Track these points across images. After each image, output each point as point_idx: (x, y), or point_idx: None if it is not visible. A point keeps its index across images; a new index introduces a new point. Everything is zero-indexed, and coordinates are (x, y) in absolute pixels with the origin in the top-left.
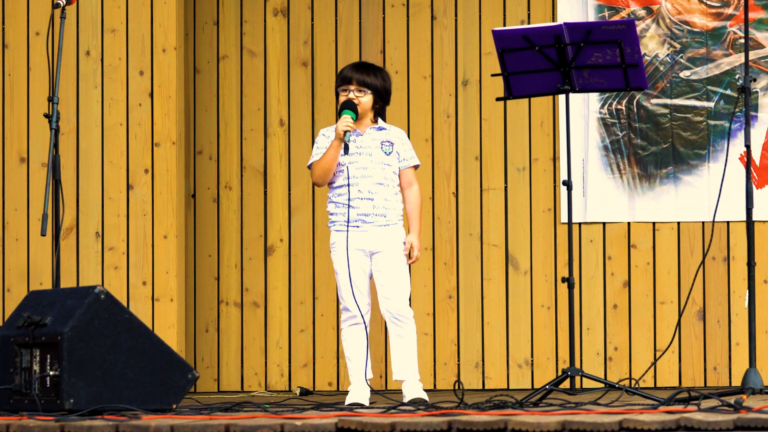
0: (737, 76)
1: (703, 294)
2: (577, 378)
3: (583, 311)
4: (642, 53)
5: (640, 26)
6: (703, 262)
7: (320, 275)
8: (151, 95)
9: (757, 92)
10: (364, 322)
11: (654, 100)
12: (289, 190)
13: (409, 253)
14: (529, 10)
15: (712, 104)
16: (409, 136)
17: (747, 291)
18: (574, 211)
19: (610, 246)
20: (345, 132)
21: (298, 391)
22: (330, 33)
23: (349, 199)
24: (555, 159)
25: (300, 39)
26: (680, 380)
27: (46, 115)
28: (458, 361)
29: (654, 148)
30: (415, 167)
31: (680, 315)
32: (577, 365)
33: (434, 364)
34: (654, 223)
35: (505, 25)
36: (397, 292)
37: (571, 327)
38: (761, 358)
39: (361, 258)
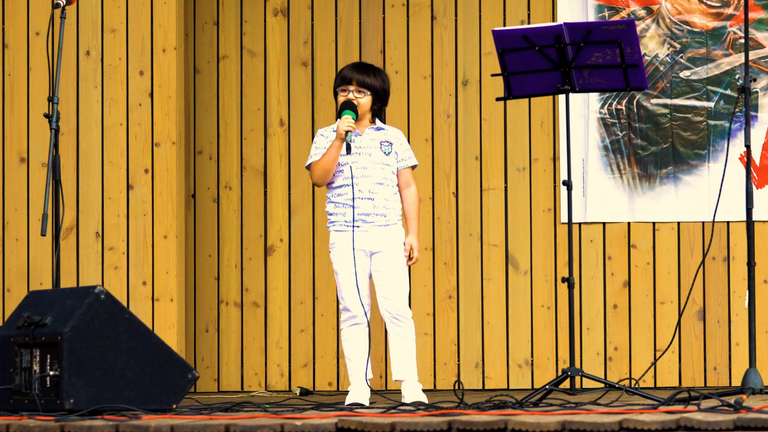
0: (737, 76)
1: (703, 294)
2: (577, 378)
3: (583, 311)
4: (642, 53)
5: (640, 26)
6: (703, 262)
7: (320, 275)
8: (151, 95)
9: (757, 92)
10: (368, 322)
11: (654, 100)
12: (289, 190)
13: (410, 255)
14: (529, 10)
15: (712, 104)
16: (409, 136)
17: (747, 291)
18: (574, 211)
19: (610, 246)
20: (346, 132)
21: (298, 391)
22: (330, 33)
23: (353, 199)
24: (555, 159)
25: (300, 39)
26: (680, 380)
27: (46, 115)
28: (458, 361)
29: (654, 148)
30: (413, 167)
31: (680, 315)
32: (577, 365)
33: (434, 364)
34: (654, 223)
35: (505, 25)
36: (397, 292)
37: (571, 327)
38: (761, 358)
39: (361, 258)
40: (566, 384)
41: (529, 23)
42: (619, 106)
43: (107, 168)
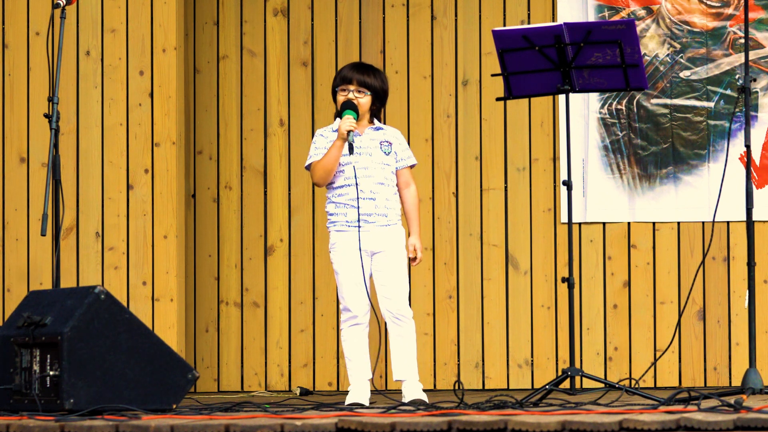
0: (737, 76)
1: (703, 294)
2: (577, 378)
3: (583, 311)
4: (642, 53)
5: (640, 26)
6: (703, 262)
7: (320, 275)
8: (151, 95)
9: (757, 92)
10: (377, 320)
11: (654, 100)
12: (289, 190)
13: (414, 256)
14: (529, 10)
15: (712, 104)
16: (409, 136)
17: (747, 291)
18: (574, 211)
19: (610, 246)
20: (348, 132)
21: (298, 391)
22: (330, 33)
23: (358, 199)
24: (555, 159)
25: (300, 39)
26: (680, 380)
27: (46, 115)
28: (458, 361)
29: (654, 148)
30: (411, 167)
31: (680, 315)
32: (577, 365)
33: (434, 364)
34: (654, 223)
35: (505, 25)
36: (398, 292)
37: (571, 327)
38: (761, 358)
39: (362, 258)
40: (566, 384)
41: (529, 23)
42: (619, 106)
43: (107, 168)
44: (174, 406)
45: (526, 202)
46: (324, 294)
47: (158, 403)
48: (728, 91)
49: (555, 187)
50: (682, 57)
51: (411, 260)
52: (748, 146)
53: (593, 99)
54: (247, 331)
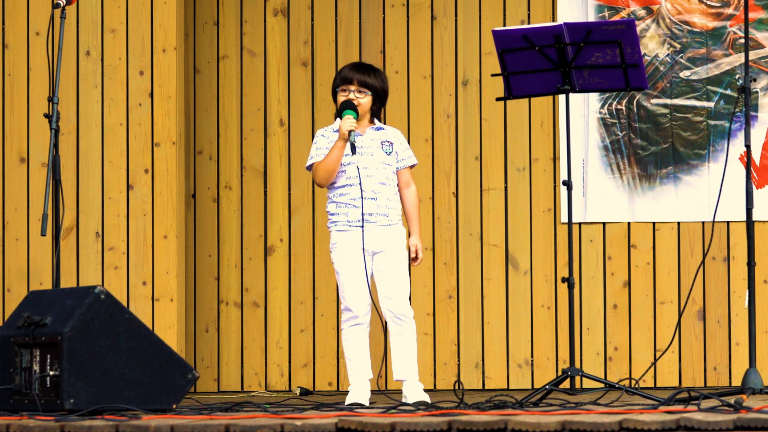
0: (737, 76)
1: (703, 294)
2: (577, 378)
3: (583, 311)
4: (642, 53)
5: (640, 26)
6: (703, 262)
7: (320, 275)
8: (151, 95)
9: (757, 92)
10: (381, 320)
11: (654, 100)
12: (289, 190)
13: (415, 256)
14: (529, 10)
15: (712, 104)
16: (409, 136)
17: (747, 291)
18: (574, 211)
19: (610, 246)
20: (349, 131)
21: (298, 391)
22: (330, 33)
23: (362, 198)
24: (555, 159)
25: (300, 39)
26: (680, 380)
27: (46, 115)
28: (458, 361)
29: (654, 148)
30: (412, 167)
31: (680, 315)
32: (577, 365)
33: (434, 364)
34: (654, 223)
35: (505, 25)
36: (399, 292)
37: (571, 327)
38: (761, 358)
39: (363, 257)
40: (566, 384)
41: (529, 23)
42: (619, 106)
43: (107, 168)
44: (174, 406)
45: (526, 202)
46: (324, 294)
47: (158, 403)
48: (728, 91)
49: (555, 187)
50: (682, 57)
51: (412, 260)
52: (748, 146)
53: (593, 99)
54: (247, 331)
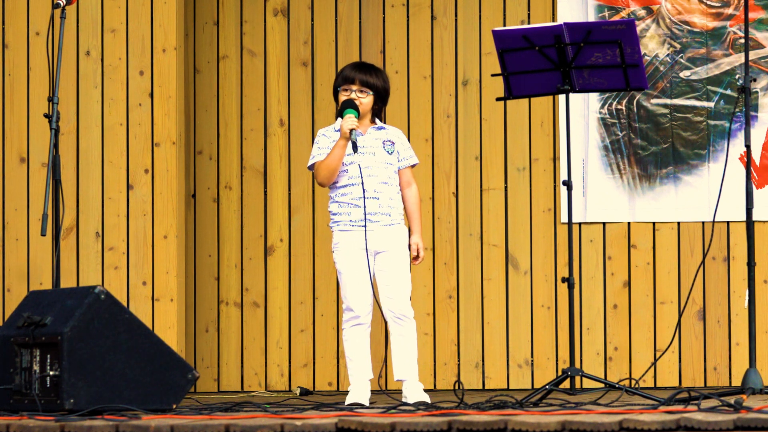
0: (737, 76)
1: (703, 294)
2: (577, 378)
3: (583, 311)
4: (642, 53)
5: (640, 26)
6: (703, 262)
7: (320, 275)
8: (151, 95)
9: (757, 92)
10: (384, 321)
11: (654, 100)
12: (289, 190)
13: (417, 255)
14: (529, 10)
15: (712, 104)
16: (409, 136)
17: (747, 291)
18: (574, 211)
19: (610, 246)
20: (351, 131)
21: (298, 391)
22: (330, 33)
23: (364, 198)
24: (555, 159)
25: (300, 39)
26: (680, 380)
27: (46, 115)
28: (458, 361)
29: (654, 148)
30: (413, 166)
31: (680, 315)
32: (577, 365)
33: (434, 364)
34: (654, 223)
35: (505, 25)
36: (400, 292)
37: (571, 327)
38: (761, 358)
39: (365, 257)
40: (566, 384)
41: (529, 23)
42: (619, 106)
43: (107, 168)
44: (174, 406)
45: (526, 202)
46: (324, 294)
47: (158, 403)
48: (728, 91)
49: (555, 187)
50: (682, 57)
51: (413, 259)
52: (748, 146)
53: (593, 99)
54: (247, 331)
